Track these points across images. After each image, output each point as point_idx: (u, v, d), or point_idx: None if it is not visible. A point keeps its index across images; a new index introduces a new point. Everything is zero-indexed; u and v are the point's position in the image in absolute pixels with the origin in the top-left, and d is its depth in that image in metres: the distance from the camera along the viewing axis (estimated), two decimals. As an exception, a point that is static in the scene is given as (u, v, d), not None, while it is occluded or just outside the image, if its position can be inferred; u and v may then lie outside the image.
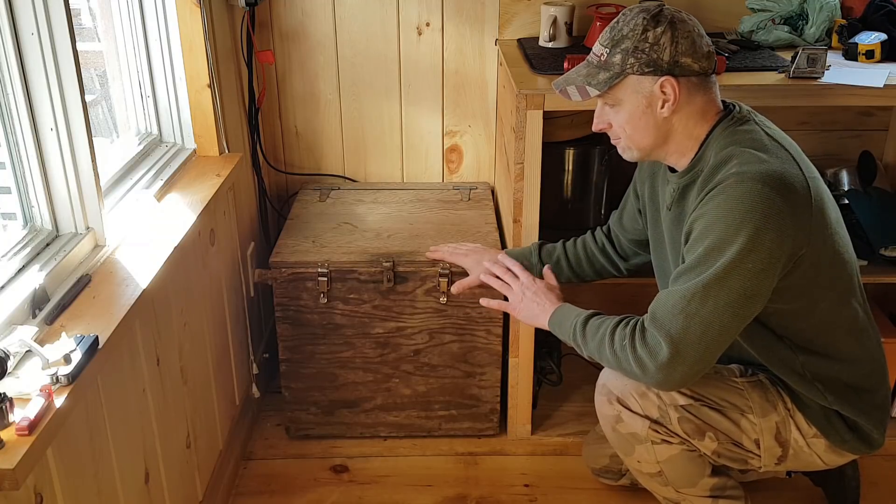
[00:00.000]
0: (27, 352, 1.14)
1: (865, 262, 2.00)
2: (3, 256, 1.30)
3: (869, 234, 2.04)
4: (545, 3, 2.13)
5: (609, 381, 1.64)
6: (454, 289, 1.94)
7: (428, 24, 2.30)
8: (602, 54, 1.46)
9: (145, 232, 1.57)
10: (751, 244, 1.33)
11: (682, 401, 1.57)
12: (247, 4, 2.04)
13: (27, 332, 1.16)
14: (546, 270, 1.79)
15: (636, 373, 1.43)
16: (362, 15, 2.28)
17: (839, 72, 1.86)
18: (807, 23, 2.08)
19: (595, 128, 1.54)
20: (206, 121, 1.93)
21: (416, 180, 2.49)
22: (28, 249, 1.34)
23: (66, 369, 1.11)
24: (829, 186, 1.53)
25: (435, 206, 2.32)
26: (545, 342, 2.10)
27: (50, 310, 1.26)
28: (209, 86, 1.89)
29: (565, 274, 1.89)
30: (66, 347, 1.14)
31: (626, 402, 1.60)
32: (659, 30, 1.40)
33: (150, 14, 1.82)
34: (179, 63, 1.87)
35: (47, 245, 1.39)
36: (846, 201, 2.11)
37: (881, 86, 1.79)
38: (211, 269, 1.89)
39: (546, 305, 1.64)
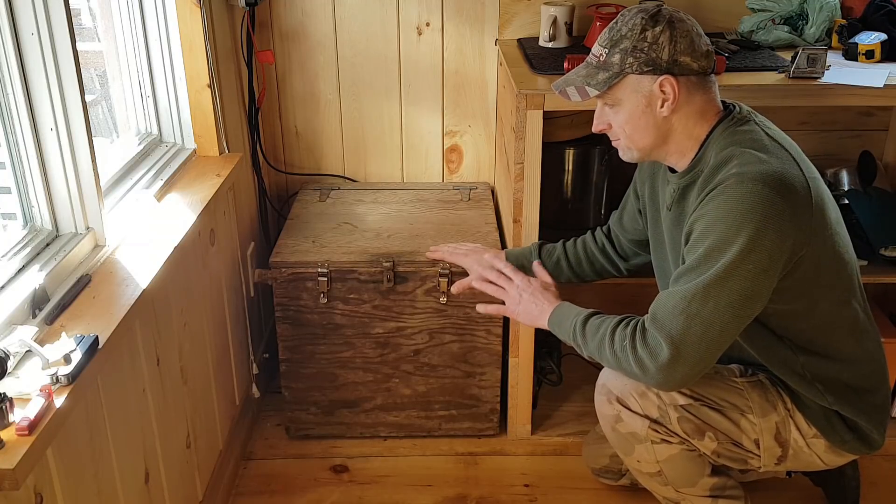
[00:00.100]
0: (27, 352, 1.14)
1: (865, 262, 2.00)
2: (3, 256, 1.30)
3: (869, 234, 2.04)
4: (545, 3, 2.13)
5: (609, 380, 1.64)
6: (454, 289, 1.94)
7: (428, 24, 2.30)
8: (601, 55, 1.46)
9: (145, 232, 1.57)
10: (751, 245, 1.33)
11: (681, 400, 1.57)
12: (247, 4, 2.04)
13: (27, 332, 1.16)
14: (536, 267, 1.78)
15: (636, 373, 1.43)
16: (362, 15, 2.29)
17: (839, 72, 1.86)
18: (807, 23, 2.08)
19: (595, 129, 1.54)
20: (206, 121, 1.93)
21: (416, 180, 2.49)
22: (28, 249, 1.34)
23: (66, 369, 1.11)
24: (829, 186, 1.53)
25: (435, 206, 2.32)
26: (545, 342, 2.10)
27: (50, 310, 1.26)
28: (209, 86, 1.89)
29: (565, 274, 1.89)
30: (66, 347, 1.14)
31: (626, 402, 1.60)
32: (657, 29, 1.40)
33: (150, 14, 1.82)
34: (179, 63, 1.87)
35: (47, 245, 1.39)
36: (846, 201, 2.11)
37: (881, 86, 1.79)
38: (211, 269, 1.89)
39: (544, 305, 1.64)
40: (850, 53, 1.96)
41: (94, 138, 1.41)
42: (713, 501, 1.66)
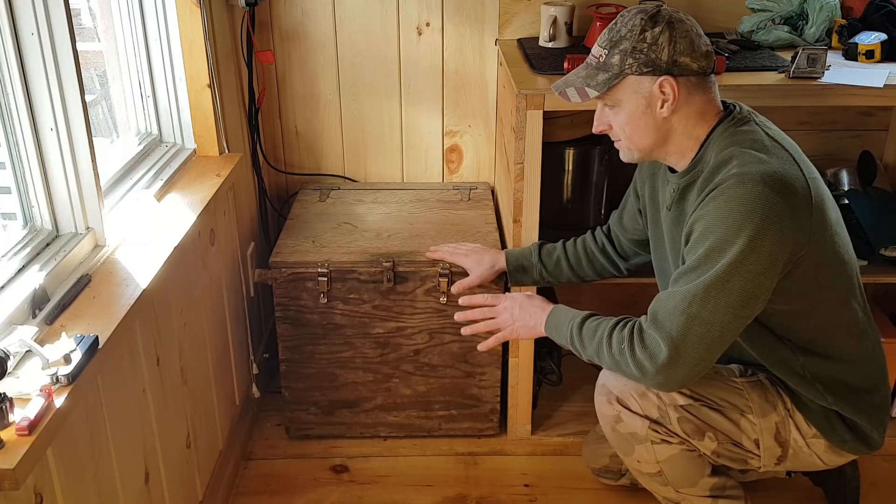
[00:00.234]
0: (27, 352, 1.14)
1: (865, 262, 2.00)
2: (3, 256, 1.30)
3: (869, 234, 2.04)
4: (545, 3, 2.13)
5: (609, 381, 1.64)
6: (454, 289, 1.95)
7: (428, 24, 2.30)
8: (601, 55, 1.46)
9: (145, 232, 1.57)
10: (751, 245, 1.33)
11: (681, 401, 1.57)
12: (247, 4, 2.04)
13: (27, 332, 1.16)
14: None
15: (636, 375, 1.43)
16: (362, 15, 2.29)
17: (839, 72, 1.86)
18: (807, 23, 2.08)
19: (595, 129, 1.54)
20: (206, 121, 1.93)
21: (416, 180, 2.49)
22: (28, 249, 1.34)
23: (66, 369, 1.11)
24: (829, 186, 1.53)
25: (435, 206, 2.32)
26: (545, 342, 2.10)
27: (50, 310, 1.26)
28: (209, 86, 1.89)
29: (565, 274, 1.89)
30: (66, 347, 1.14)
31: (626, 402, 1.60)
32: (657, 30, 1.40)
33: (150, 14, 1.82)
34: (179, 63, 1.87)
35: (47, 245, 1.39)
36: (846, 201, 2.11)
37: (881, 86, 1.79)
38: (211, 269, 1.89)
39: (537, 314, 1.64)
40: (850, 53, 1.96)
41: (94, 138, 1.41)
42: (713, 501, 1.66)
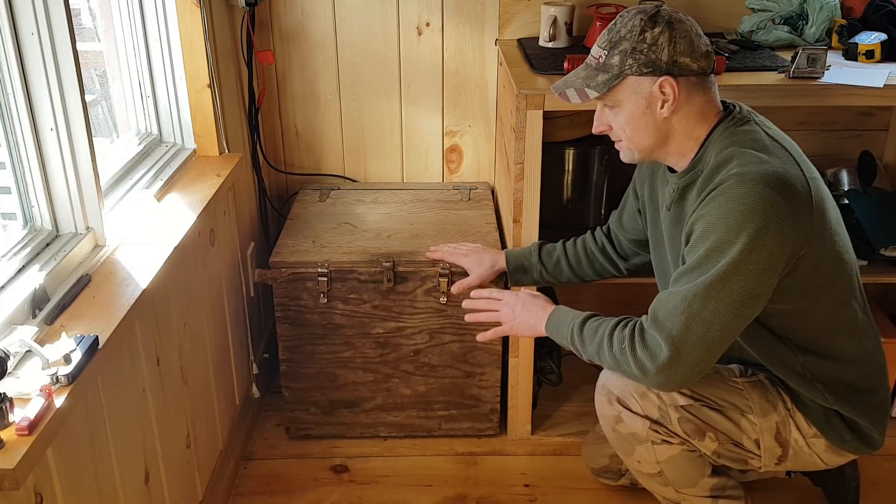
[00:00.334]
0: (27, 352, 1.14)
1: (865, 262, 2.00)
2: (3, 256, 1.30)
3: (869, 234, 2.04)
4: (545, 3, 2.13)
5: (609, 381, 1.64)
6: (454, 289, 1.95)
7: (428, 24, 2.30)
8: (600, 56, 1.46)
9: (145, 232, 1.57)
10: (752, 245, 1.33)
11: (682, 401, 1.57)
12: (247, 4, 2.04)
13: (27, 332, 1.16)
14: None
15: (636, 375, 1.43)
16: (362, 15, 2.29)
17: (839, 72, 1.86)
18: (807, 23, 2.08)
19: (595, 130, 1.54)
20: (206, 121, 1.93)
21: (416, 180, 2.49)
22: (28, 249, 1.34)
23: (66, 369, 1.11)
24: (829, 186, 1.53)
25: (435, 206, 2.32)
26: (545, 342, 2.10)
27: (50, 310, 1.26)
28: (209, 86, 1.89)
29: (565, 274, 1.89)
30: (66, 347, 1.14)
31: (627, 403, 1.60)
32: (657, 30, 1.40)
33: (150, 14, 1.82)
34: (179, 63, 1.87)
35: (47, 245, 1.39)
36: (846, 201, 2.11)
37: (881, 86, 1.79)
38: (211, 269, 1.89)
39: (538, 313, 1.64)
40: (850, 53, 1.96)
41: (94, 138, 1.41)
42: (713, 502, 1.66)
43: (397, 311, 2.03)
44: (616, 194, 1.97)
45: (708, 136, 1.47)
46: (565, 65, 1.83)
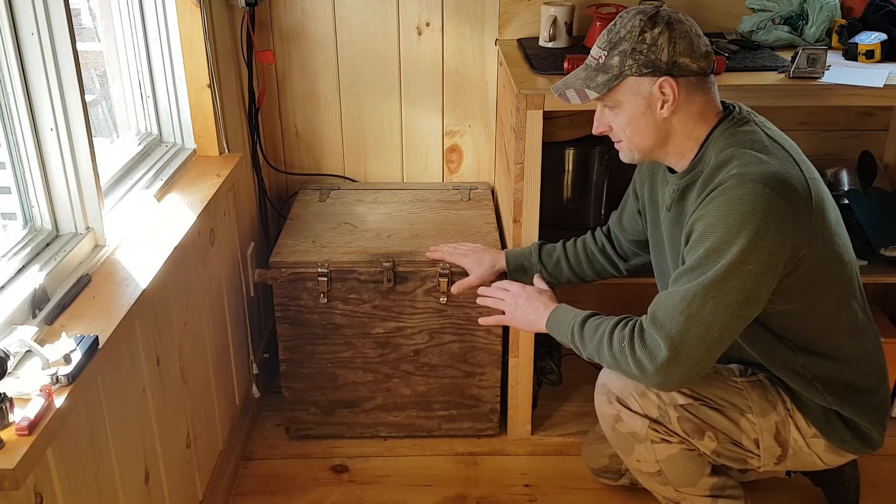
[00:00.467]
0: (27, 352, 1.14)
1: (865, 262, 2.00)
2: (3, 256, 1.30)
3: (869, 234, 2.04)
4: (545, 3, 2.13)
5: (609, 380, 1.64)
6: (454, 289, 1.95)
7: (428, 24, 2.30)
8: (600, 57, 1.46)
9: (145, 232, 1.57)
10: (751, 245, 1.33)
11: (681, 400, 1.57)
12: (247, 4, 2.04)
13: (27, 332, 1.16)
14: (536, 279, 1.80)
15: (635, 374, 1.43)
16: (362, 15, 2.29)
17: (839, 72, 1.86)
18: (807, 23, 2.08)
19: (595, 131, 1.54)
20: (206, 121, 1.93)
21: (416, 180, 2.49)
22: (28, 249, 1.34)
23: (66, 369, 1.11)
24: (829, 186, 1.53)
25: (435, 206, 2.32)
26: (545, 342, 2.10)
27: (50, 310, 1.26)
28: (209, 86, 1.89)
29: (565, 274, 1.89)
30: (66, 347, 1.14)
31: (626, 402, 1.60)
32: (656, 31, 1.40)
33: (150, 14, 1.82)
34: (179, 63, 1.87)
35: (47, 245, 1.39)
36: (846, 201, 2.11)
37: (881, 86, 1.79)
38: (211, 269, 1.89)
39: (541, 309, 1.64)
40: (850, 53, 1.96)
41: (94, 138, 1.41)
42: (713, 501, 1.66)
43: (397, 311, 2.03)
44: (616, 194, 1.97)
45: (708, 137, 1.47)
46: (565, 65, 1.83)
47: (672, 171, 1.56)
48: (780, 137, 1.47)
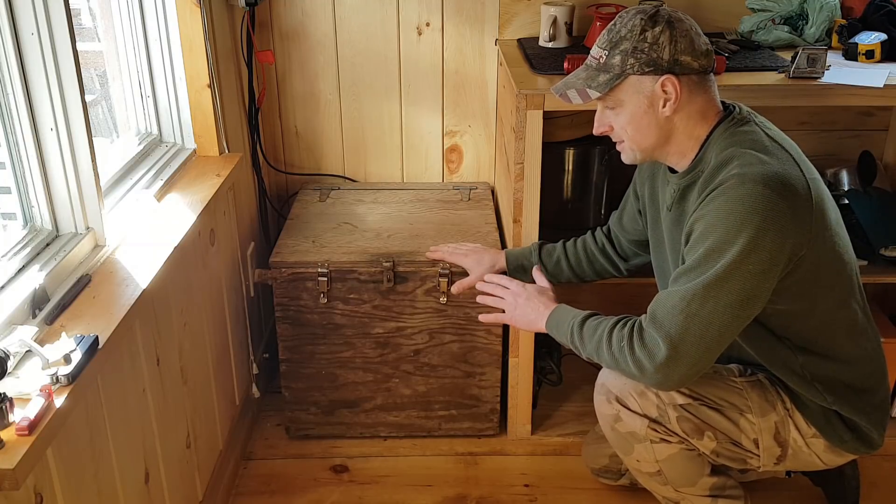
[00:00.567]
0: (27, 352, 1.15)
1: (865, 262, 2.00)
2: (3, 256, 1.30)
3: (869, 234, 2.04)
4: (545, 3, 2.13)
5: (608, 380, 1.64)
6: (454, 289, 1.95)
7: (428, 24, 2.30)
8: (601, 56, 1.46)
9: (145, 232, 1.57)
10: (751, 245, 1.33)
11: (680, 400, 1.57)
12: (247, 4, 2.04)
13: (27, 332, 1.16)
14: (535, 271, 1.79)
15: (635, 374, 1.43)
16: (362, 15, 2.29)
17: (839, 72, 1.86)
18: (807, 23, 2.08)
19: (596, 131, 1.54)
20: (206, 121, 1.93)
21: (416, 180, 2.49)
22: (28, 249, 1.34)
23: (66, 369, 1.11)
24: (829, 186, 1.53)
25: (435, 206, 2.32)
26: (545, 342, 2.10)
27: (50, 310, 1.26)
28: (209, 86, 1.89)
29: (565, 274, 1.89)
30: (66, 347, 1.14)
31: (625, 402, 1.60)
32: (657, 29, 1.40)
33: (150, 14, 1.82)
34: (179, 63, 1.87)
35: (47, 245, 1.39)
36: (846, 201, 2.11)
37: (881, 86, 1.79)
38: (211, 269, 1.89)
39: (541, 308, 1.64)
40: (850, 53, 1.96)
41: (94, 138, 1.41)
42: (713, 501, 1.66)
43: (397, 311, 2.03)
44: (616, 194, 1.97)
45: (708, 137, 1.48)
46: (565, 65, 1.83)
47: (673, 171, 1.56)
48: (781, 137, 1.47)
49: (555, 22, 2.10)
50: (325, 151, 2.46)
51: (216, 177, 1.85)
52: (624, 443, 1.64)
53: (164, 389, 1.58)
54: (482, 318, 1.78)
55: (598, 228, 1.92)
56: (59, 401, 1.08)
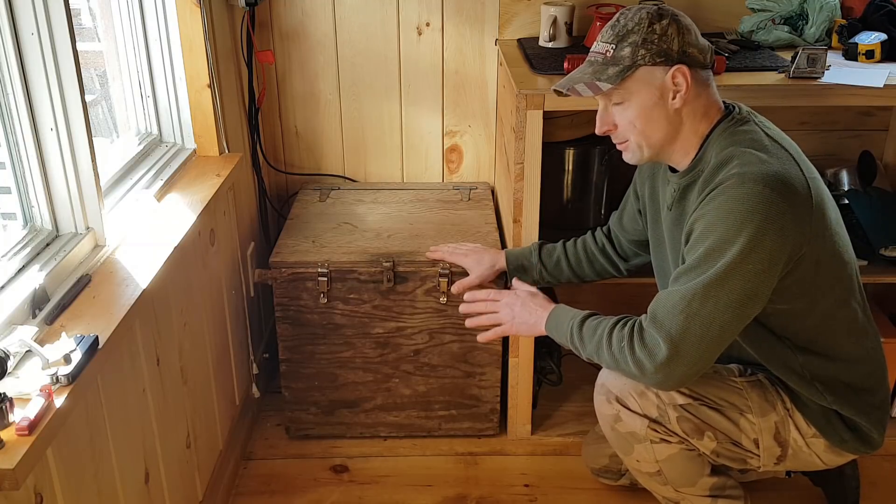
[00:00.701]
0: (27, 352, 1.15)
1: (865, 262, 2.00)
2: (3, 256, 1.30)
3: (869, 234, 2.04)
4: (545, 3, 2.13)
5: (608, 380, 1.64)
6: (454, 289, 1.95)
7: (428, 24, 2.30)
8: (607, 51, 1.46)
9: (145, 232, 1.57)
10: (752, 245, 1.33)
11: (680, 400, 1.57)
12: (247, 4, 2.04)
13: (27, 332, 1.16)
14: (515, 280, 1.79)
15: (635, 374, 1.43)
16: (362, 15, 2.29)
17: (839, 72, 1.86)
18: (807, 23, 2.08)
19: (599, 131, 1.53)
20: (206, 121, 1.93)
21: (416, 180, 2.49)
22: (28, 249, 1.34)
23: (66, 369, 1.11)
24: (829, 186, 1.53)
25: (435, 206, 2.32)
26: (545, 342, 2.10)
27: (50, 310, 1.26)
28: (209, 86, 1.89)
29: (565, 274, 1.89)
30: (66, 347, 1.14)
31: (625, 402, 1.60)
32: (664, 22, 1.42)
33: (150, 14, 1.82)
34: (179, 63, 1.87)
35: (47, 245, 1.39)
36: (846, 201, 2.11)
37: (881, 86, 1.79)
38: (211, 269, 1.89)
39: (538, 312, 1.64)
40: (850, 53, 1.96)
41: (94, 138, 1.41)
42: (713, 501, 1.66)
43: (397, 311, 2.03)
44: (616, 194, 1.97)
45: (708, 135, 1.48)
46: (565, 65, 1.83)
47: (673, 170, 1.55)
48: (780, 137, 1.47)
49: (555, 22, 2.10)
50: (325, 151, 2.46)
51: (216, 177, 1.85)
52: (624, 443, 1.64)
53: (164, 389, 1.58)
54: (481, 337, 1.76)
55: (598, 228, 1.92)
56: (59, 401, 1.08)
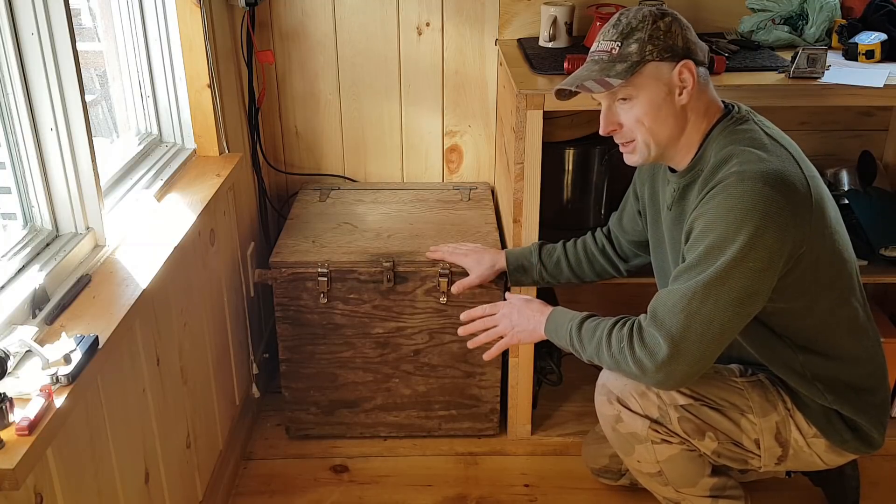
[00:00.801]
0: (27, 352, 1.14)
1: (865, 262, 2.00)
2: (3, 256, 1.30)
3: (869, 234, 2.04)
4: (545, 3, 2.13)
5: (609, 380, 1.64)
6: (454, 289, 1.95)
7: (428, 24, 2.30)
8: (612, 49, 1.45)
9: (145, 232, 1.57)
10: (751, 243, 1.33)
11: (681, 400, 1.57)
12: (247, 4, 2.04)
13: (27, 332, 1.16)
14: (507, 294, 1.80)
15: (636, 374, 1.43)
16: (362, 15, 2.29)
17: (839, 72, 1.86)
18: (807, 23, 2.08)
19: (603, 131, 1.51)
20: (206, 121, 1.93)
21: (416, 180, 2.49)
22: (28, 249, 1.34)
23: (66, 369, 1.11)
24: (829, 186, 1.53)
25: (435, 206, 2.32)
26: (545, 342, 2.10)
27: (50, 310, 1.26)
28: (209, 86, 1.89)
29: (565, 274, 1.89)
30: (66, 347, 1.14)
31: (626, 402, 1.60)
32: (668, 19, 1.44)
33: (150, 14, 1.82)
34: (179, 63, 1.87)
35: (47, 245, 1.39)
36: (846, 201, 2.11)
37: (881, 86, 1.79)
38: (211, 269, 1.89)
39: (536, 317, 1.64)
40: (850, 53, 1.96)
41: (94, 138, 1.41)
42: (713, 501, 1.66)
43: (397, 311, 2.03)
44: (616, 194, 1.97)
45: (708, 134, 1.48)
46: (565, 65, 1.83)
47: (673, 170, 1.56)
48: (780, 136, 1.47)
49: (555, 22, 2.10)
50: (325, 151, 2.46)
51: (216, 177, 1.85)
52: (625, 443, 1.64)
53: (164, 389, 1.58)
54: (486, 356, 1.76)
55: (598, 229, 1.92)
56: (59, 401, 1.08)
